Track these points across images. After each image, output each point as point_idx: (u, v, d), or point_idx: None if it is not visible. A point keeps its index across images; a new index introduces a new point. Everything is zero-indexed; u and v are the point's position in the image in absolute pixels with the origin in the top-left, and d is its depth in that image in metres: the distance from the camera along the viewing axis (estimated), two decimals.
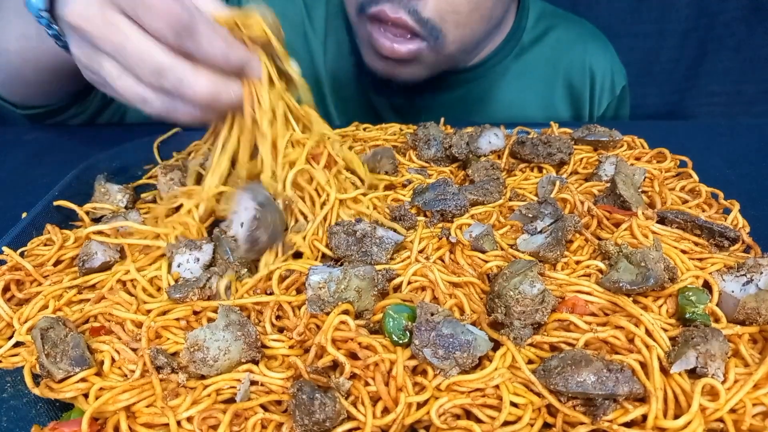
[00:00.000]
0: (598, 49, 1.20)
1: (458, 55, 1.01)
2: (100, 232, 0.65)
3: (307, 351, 0.50)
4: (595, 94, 1.19)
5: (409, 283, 0.57)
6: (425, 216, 0.68)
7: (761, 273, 0.53)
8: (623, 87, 1.22)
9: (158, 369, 0.48)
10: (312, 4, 1.11)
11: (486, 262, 0.59)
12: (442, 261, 0.60)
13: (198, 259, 0.60)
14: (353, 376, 0.47)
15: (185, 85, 0.58)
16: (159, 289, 0.58)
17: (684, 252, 0.60)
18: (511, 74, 1.15)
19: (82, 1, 0.57)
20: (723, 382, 0.46)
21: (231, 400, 0.47)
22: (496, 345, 0.49)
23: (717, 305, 0.53)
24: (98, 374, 0.49)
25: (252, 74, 0.63)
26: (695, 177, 0.76)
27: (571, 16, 1.25)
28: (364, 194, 0.70)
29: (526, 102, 1.16)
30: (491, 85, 1.15)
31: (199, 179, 0.79)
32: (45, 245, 0.66)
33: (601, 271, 0.58)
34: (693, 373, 0.46)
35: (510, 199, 0.73)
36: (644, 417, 0.44)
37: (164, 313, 0.54)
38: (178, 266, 0.60)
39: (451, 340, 0.46)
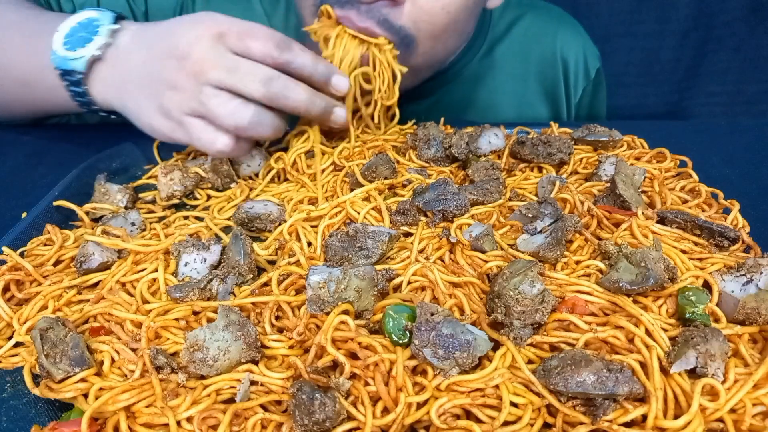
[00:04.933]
0: (567, 34, 1.16)
1: (423, 70, 0.97)
2: (106, 232, 0.65)
3: (306, 351, 0.49)
4: (570, 82, 1.15)
5: (409, 283, 0.57)
6: (426, 216, 0.68)
7: (761, 273, 0.53)
8: (598, 69, 1.17)
9: (158, 369, 0.48)
10: (271, 14, 1.08)
11: (486, 262, 0.59)
12: (442, 261, 0.60)
13: (205, 260, 0.60)
14: (353, 376, 0.47)
15: (288, 88, 0.72)
16: (156, 291, 0.58)
17: (684, 252, 0.60)
18: (480, 76, 1.11)
19: (196, 45, 0.70)
20: (723, 382, 0.46)
21: (231, 400, 0.47)
22: (496, 345, 0.49)
23: (717, 305, 0.53)
24: (98, 374, 0.49)
25: (338, 88, 0.78)
26: (695, 177, 0.76)
27: (537, 2, 1.20)
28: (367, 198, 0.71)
29: (500, 102, 1.14)
30: (461, 90, 1.11)
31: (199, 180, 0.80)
32: (45, 245, 0.66)
33: (601, 271, 0.58)
34: (693, 373, 0.46)
35: (510, 199, 0.73)
36: (644, 417, 0.44)
37: (164, 313, 0.54)
38: (185, 265, 0.60)
39: (451, 340, 0.46)
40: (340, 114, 0.80)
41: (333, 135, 0.88)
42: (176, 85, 0.71)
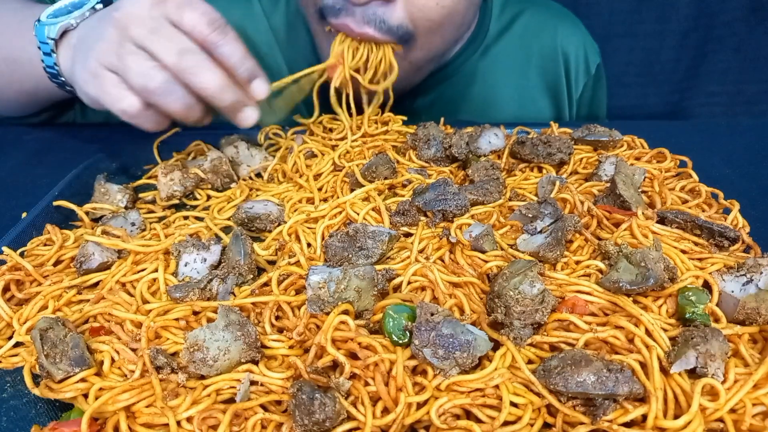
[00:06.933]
0: (567, 29, 1.17)
1: (424, 64, 0.97)
2: (106, 232, 0.65)
3: (306, 351, 0.49)
4: (571, 77, 1.16)
5: (409, 283, 0.57)
6: (426, 216, 0.68)
7: (761, 273, 0.53)
8: (598, 65, 1.18)
9: (158, 369, 0.48)
10: (270, 12, 1.07)
11: (486, 262, 0.59)
12: (442, 261, 0.60)
13: (205, 260, 0.60)
14: (353, 376, 0.47)
15: (202, 67, 0.68)
16: (156, 291, 0.58)
17: (684, 252, 0.60)
18: (481, 71, 1.11)
19: (136, 5, 0.69)
20: (723, 382, 0.46)
21: (231, 400, 0.47)
22: (496, 345, 0.49)
23: (717, 305, 0.53)
24: (98, 374, 0.49)
25: (256, 92, 0.74)
26: (695, 177, 0.76)
27: None
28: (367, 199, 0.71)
29: (501, 98, 1.14)
30: (462, 85, 1.11)
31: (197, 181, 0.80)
32: (45, 245, 0.66)
33: (601, 271, 0.58)
34: (693, 373, 0.47)
35: (510, 199, 0.73)
36: (644, 417, 0.44)
37: (164, 313, 0.54)
38: (185, 265, 0.60)
39: (451, 340, 0.46)
40: (249, 115, 0.76)
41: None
42: (103, 36, 0.71)
